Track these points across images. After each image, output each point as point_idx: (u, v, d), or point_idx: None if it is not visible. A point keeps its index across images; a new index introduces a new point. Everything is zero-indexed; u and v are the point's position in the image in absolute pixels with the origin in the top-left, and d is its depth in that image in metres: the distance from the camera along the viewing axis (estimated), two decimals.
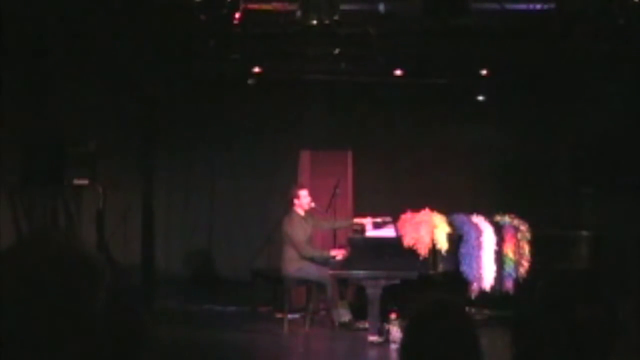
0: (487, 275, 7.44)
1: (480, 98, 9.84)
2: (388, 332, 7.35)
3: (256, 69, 9.21)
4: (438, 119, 9.93)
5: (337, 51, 8.23)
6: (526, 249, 7.56)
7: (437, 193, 9.24)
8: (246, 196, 10.04)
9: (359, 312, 7.97)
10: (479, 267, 7.44)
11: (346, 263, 7.65)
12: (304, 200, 8.13)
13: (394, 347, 7.14)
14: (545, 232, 7.80)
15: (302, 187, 8.37)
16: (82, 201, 9.26)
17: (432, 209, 7.74)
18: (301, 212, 8.14)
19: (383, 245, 7.57)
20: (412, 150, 10.01)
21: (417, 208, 7.78)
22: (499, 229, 7.62)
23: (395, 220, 7.91)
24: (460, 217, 7.77)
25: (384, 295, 7.38)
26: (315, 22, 6.44)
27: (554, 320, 1.78)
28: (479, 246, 7.47)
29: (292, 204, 8.15)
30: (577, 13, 6.77)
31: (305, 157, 9.82)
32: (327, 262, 7.92)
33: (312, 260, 7.99)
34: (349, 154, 9.88)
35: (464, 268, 7.44)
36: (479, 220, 7.73)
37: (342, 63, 8.88)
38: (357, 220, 8.25)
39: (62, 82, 8.84)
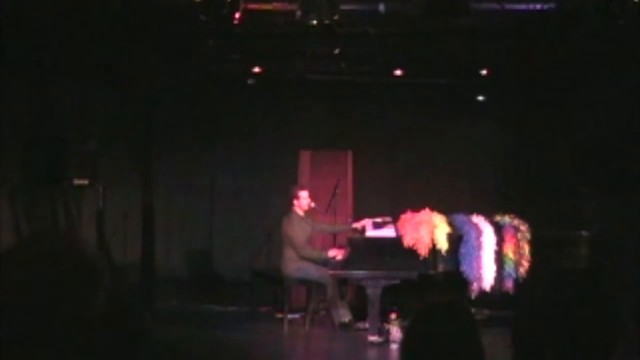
0: (487, 275, 7.44)
1: (480, 98, 9.84)
2: (388, 332, 7.35)
3: (256, 69, 9.21)
4: (438, 119, 9.93)
5: (337, 51, 8.23)
6: (526, 249, 7.56)
7: (437, 193, 9.24)
8: (246, 196, 10.04)
9: (359, 312, 7.97)
10: (479, 267, 7.44)
11: (346, 263, 7.64)
12: (303, 201, 8.14)
13: (394, 347, 7.15)
14: (546, 232, 7.80)
15: (302, 187, 8.37)
16: (82, 201, 9.25)
17: (432, 209, 7.74)
18: (300, 213, 8.14)
19: (383, 245, 7.57)
20: (412, 151, 10.01)
21: (417, 208, 7.78)
22: (499, 229, 7.62)
23: (395, 220, 7.91)
24: (460, 217, 7.77)
25: (384, 295, 7.37)
26: (315, 22, 6.43)
27: (554, 321, 1.77)
28: (479, 246, 7.47)
29: (291, 204, 8.15)
30: (577, 13, 6.76)
31: (305, 157, 9.83)
32: (326, 262, 7.92)
33: (311, 260, 7.99)
34: (349, 154, 9.88)
35: (464, 268, 7.44)
36: (479, 220, 7.73)
37: (342, 63, 8.88)
38: (355, 224, 8.25)
39: (62, 82, 8.84)
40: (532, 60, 8.59)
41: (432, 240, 7.35)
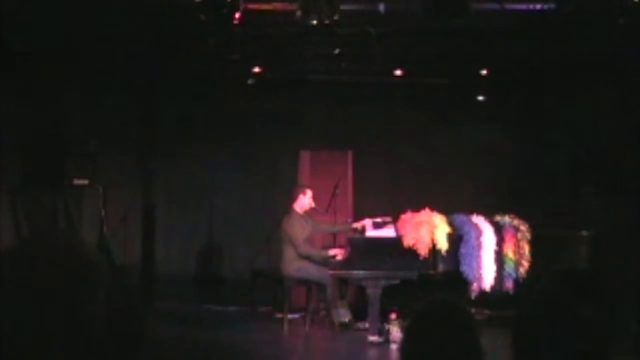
0: (487, 275, 7.44)
1: (480, 98, 9.84)
2: (388, 332, 7.35)
3: (256, 69, 9.21)
4: (438, 119, 9.93)
5: (337, 51, 8.23)
6: (526, 249, 7.56)
7: (437, 193, 9.24)
8: (246, 196, 10.03)
9: (359, 312, 7.97)
10: (479, 267, 7.44)
11: (346, 263, 7.65)
12: (306, 200, 8.14)
13: (394, 347, 7.15)
14: (545, 232, 7.79)
15: (308, 187, 8.39)
16: (82, 201, 9.26)
17: (432, 209, 7.74)
18: (299, 212, 8.15)
19: (383, 245, 7.57)
20: (412, 150, 10.01)
21: (417, 208, 7.78)
22: (499, 229, 7.62)
23: (395, 220, 7.92)
24: (460, 217, 7.76)
25: (384, 295, 7.38)
26: (315, 22, 6.43)
27: (554, 320, 1.77)
28: (479, 246, 7.47)
29: (293, 201, 8.15)
30: (577, 13, 6.76)
31: (305, 157, 9.82)
32: (326, 262, 7.92)
33: (310, 259, 7.99)
34: (349, 154, 9.87)
35: (464, 268, 7.44)
36: (479, 220, 7.72)
37: (342, 63, 8.88)
38: (355, 224, 8.25)
39: (62, 83, 8.84)
40: (532, 60, 8.58)
41: (432, 240, 7.35)
